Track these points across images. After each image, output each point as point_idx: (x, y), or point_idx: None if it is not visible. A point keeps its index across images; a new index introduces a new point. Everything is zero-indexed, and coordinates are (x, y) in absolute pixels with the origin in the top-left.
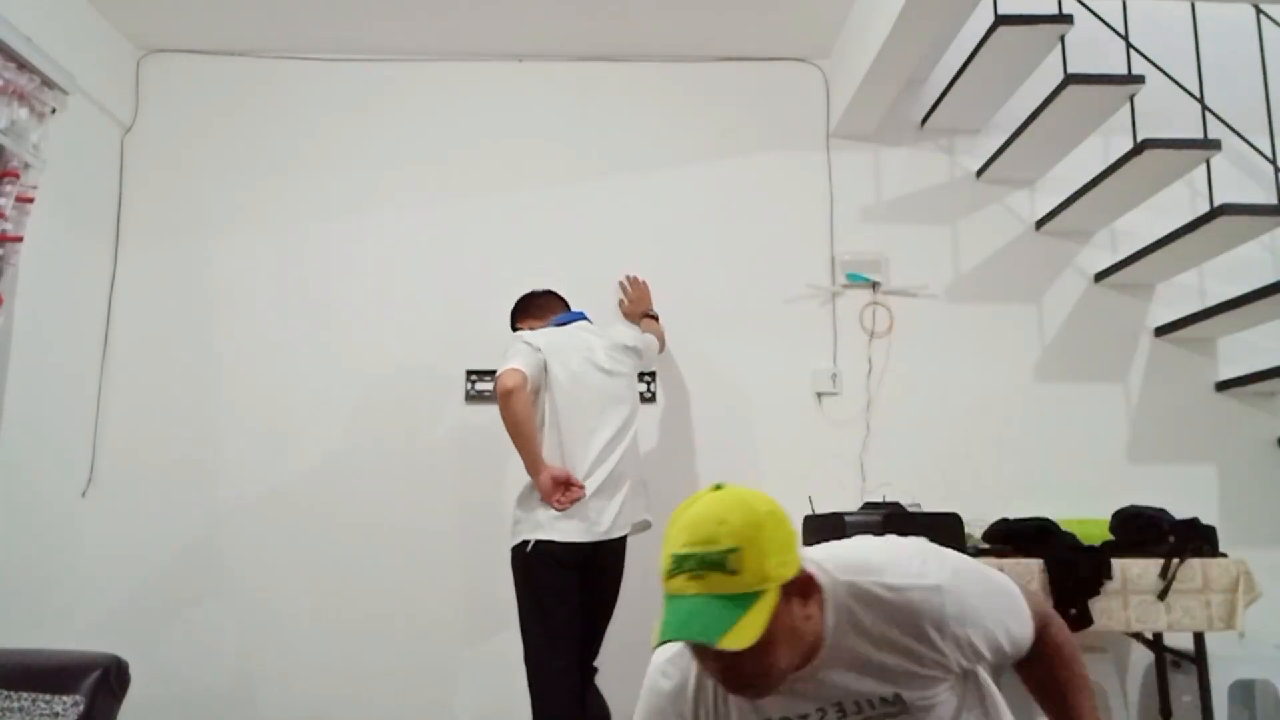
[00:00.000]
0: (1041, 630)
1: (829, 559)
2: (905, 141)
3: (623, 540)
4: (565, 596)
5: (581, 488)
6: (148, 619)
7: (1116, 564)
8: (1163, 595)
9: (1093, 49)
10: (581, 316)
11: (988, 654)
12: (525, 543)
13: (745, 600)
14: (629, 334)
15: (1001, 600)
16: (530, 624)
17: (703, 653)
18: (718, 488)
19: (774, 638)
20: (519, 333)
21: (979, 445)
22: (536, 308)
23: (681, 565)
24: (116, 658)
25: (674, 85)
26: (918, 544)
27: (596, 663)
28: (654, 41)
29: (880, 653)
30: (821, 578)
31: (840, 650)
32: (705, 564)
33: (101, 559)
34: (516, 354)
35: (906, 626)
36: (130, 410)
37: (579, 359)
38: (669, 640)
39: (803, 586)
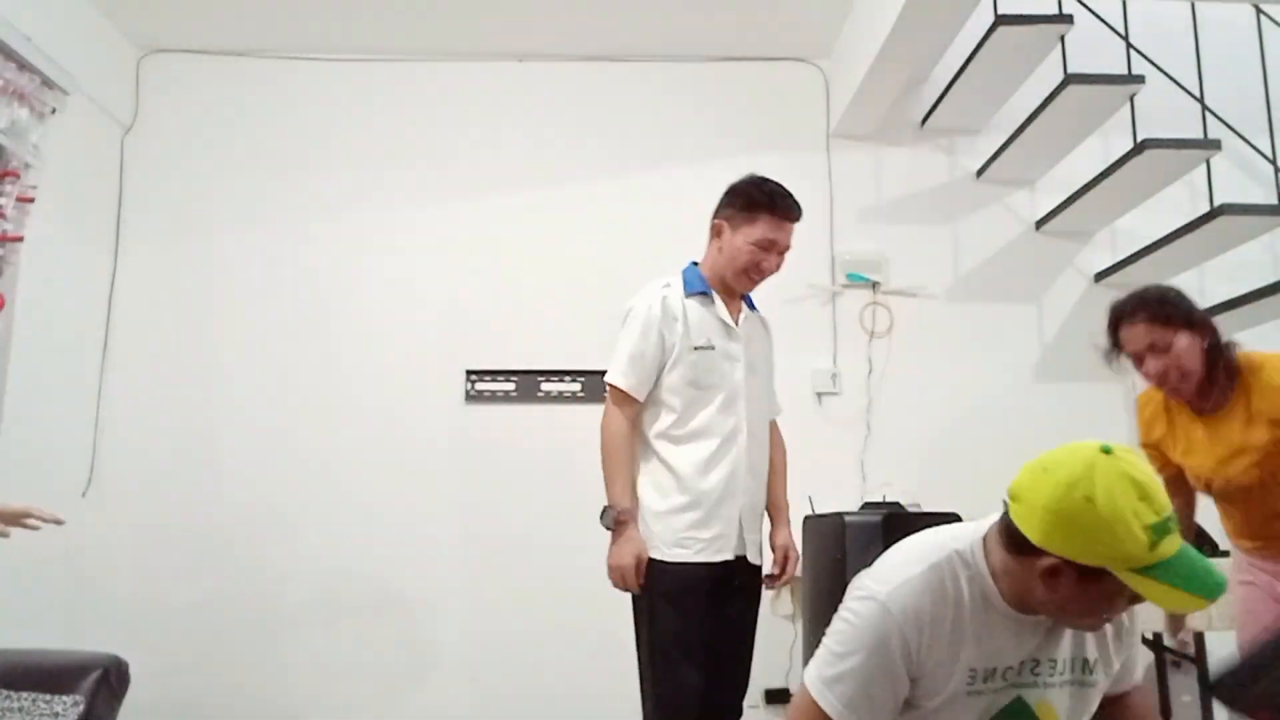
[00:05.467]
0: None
1: None
2: (905, 141)
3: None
4: None
5: None
6: (148, 619)
7: None
8: None
9: (1093, 49)
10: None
11: (1126, 668)
12: None
13: None
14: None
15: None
16: None
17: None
18: (1108, 451)
19: None
20: None
21: (979, 445)
22: None
23: (1165, 529)
24: (116, 658)
25: (674, 85)
26: None
27: None
28: (654, 41)
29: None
30: None
31: None
32: (1176, 522)
33: (101, 559)
34: None
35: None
36: (130, 410)
37: None
38: (1223, 590)
39: None
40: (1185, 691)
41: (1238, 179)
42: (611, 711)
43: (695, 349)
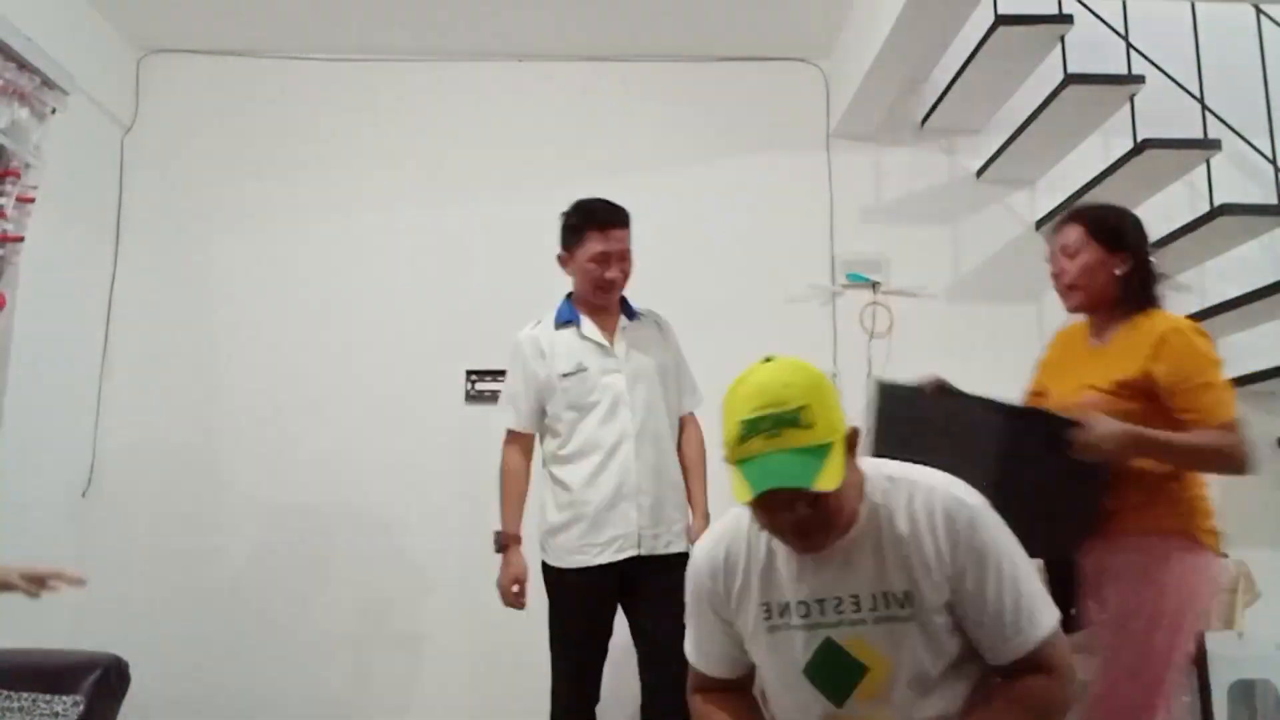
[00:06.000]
0: (1046, 656)
1: (876, 460)
2: (905, 141)
3: None
4: None
5: None
6: (148, 619)
7: None
8: None
9: (1093, 49)
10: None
11: (984, 614)
12: None
13: (822, 451)
14: None
15: (1028, 571)
16: None
17: (774, 509)
18: (768, 359)
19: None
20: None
21: None
22: None
23: (755, 428)
24: (116, 658)
25: (674, 85)
26: (961, 481)
27: None
28: (654, 41)
29: (899, 551)
30: (864, 465)
31: (868, 534)
32: (781, 422)
33: (101, 559)
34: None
35: (927, 528)
36: (130, 410)
37: None
38: (764, 490)
39: (852, 439)
40: (1185, 691)
41: (1238, 179)
42: (610, 711)
43: (564, 376)
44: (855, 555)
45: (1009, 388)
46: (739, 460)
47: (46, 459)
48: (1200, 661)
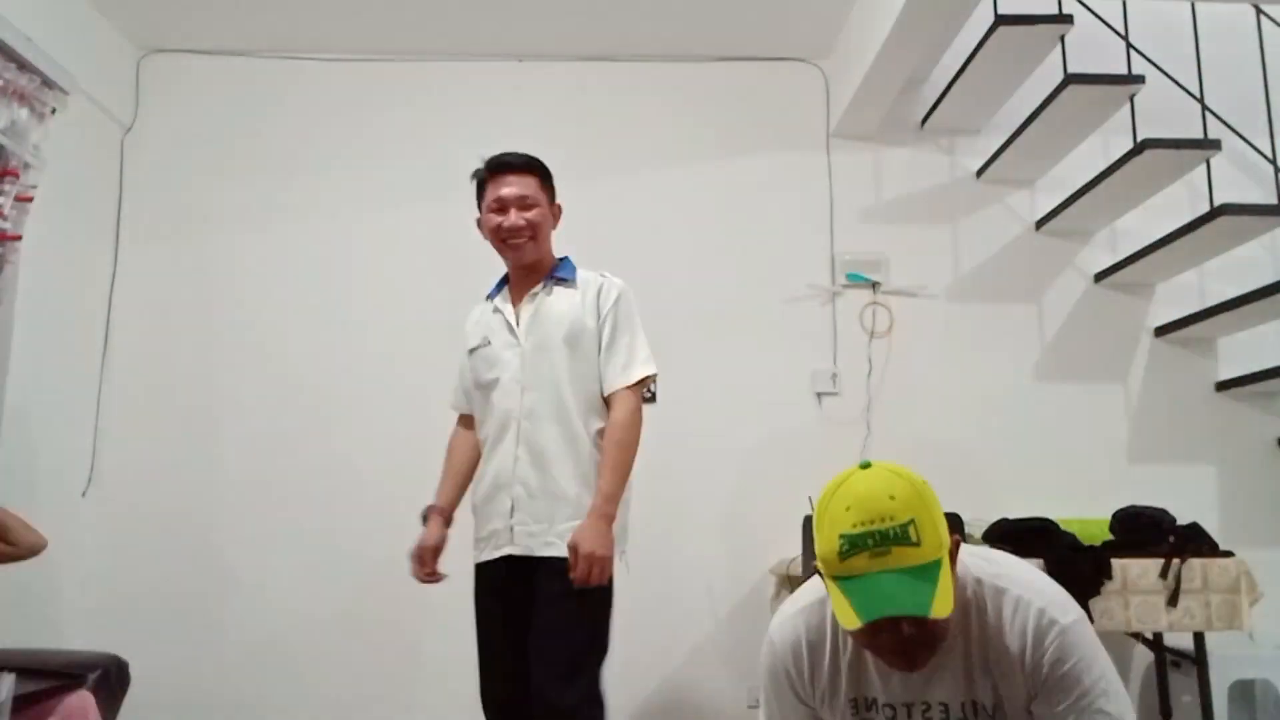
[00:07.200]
0: None
1: (967, 551)
2: (905, 141)
3: None
4: None
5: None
6: (148, 619)
7: (1116, 564)
8: (1173, 600)
9: (1093, 49)
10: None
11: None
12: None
13: (933, 570)
14: None
15: (1116, 694)
16: (603, 648)
17: (877, 631)
18: (865, 465)
19: None
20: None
21: (979, 445)
22: None
23: (860, 544)
24: (116, 658)
25: (674, 85)
26: (1057, 585)
27: None
28: (654, 41)
29: (985, 660)
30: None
31: (958, 643)
32: (888, 539)
33: (101, 559)
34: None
35: (1014, 645)
36: (130, 410)
37: None
38: (878, 618)
39: (954, 552)
40: (1185, 691)
41: (1238, 179)
42: None
43: (470, 352)
44: (944, 663)
45: (1009, 386)
46: (840, 577)
47: (46, 459)
48: (1200, 661)
